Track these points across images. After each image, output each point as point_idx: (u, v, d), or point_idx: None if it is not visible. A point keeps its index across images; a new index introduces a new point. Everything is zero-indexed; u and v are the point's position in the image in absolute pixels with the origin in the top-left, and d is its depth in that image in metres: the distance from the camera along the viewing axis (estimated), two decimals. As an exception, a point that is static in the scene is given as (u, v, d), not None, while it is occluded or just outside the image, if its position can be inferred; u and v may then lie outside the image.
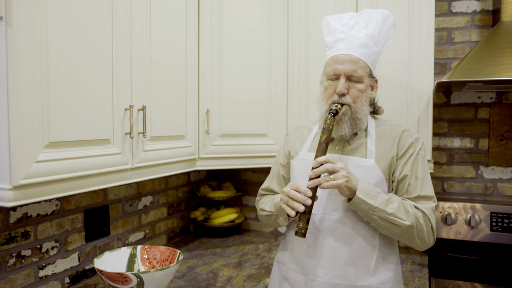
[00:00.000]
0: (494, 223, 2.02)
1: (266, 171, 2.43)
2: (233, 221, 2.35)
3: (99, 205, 1.72)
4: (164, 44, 1.57)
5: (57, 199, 1.51)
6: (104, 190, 1.75)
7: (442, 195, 2.21)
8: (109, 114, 1.30)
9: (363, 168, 1.29)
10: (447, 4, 2.19)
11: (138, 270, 1.53)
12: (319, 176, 1.21)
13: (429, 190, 1.30)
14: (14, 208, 1.36)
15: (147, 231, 2.04)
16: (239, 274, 1.76)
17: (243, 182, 2.54)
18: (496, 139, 2.13)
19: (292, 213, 1.21)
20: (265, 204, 1.48)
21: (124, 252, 1.54)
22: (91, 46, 1.22)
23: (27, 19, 1.02)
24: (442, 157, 2.22)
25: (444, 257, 2.08)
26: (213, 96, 1.86)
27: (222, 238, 2.32)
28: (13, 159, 1.00)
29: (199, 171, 2.50)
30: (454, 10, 2.18)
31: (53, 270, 1.51)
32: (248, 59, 1.93)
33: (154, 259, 1.55)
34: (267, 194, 1.54)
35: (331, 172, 1.20)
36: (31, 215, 1.42)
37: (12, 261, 1.36)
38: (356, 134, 1.35)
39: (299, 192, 1.21)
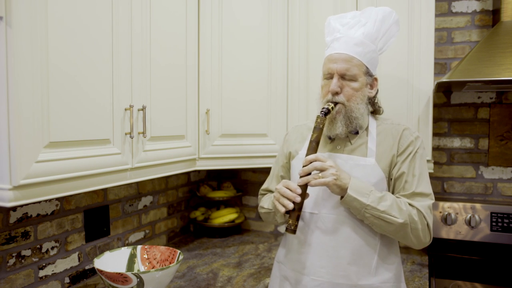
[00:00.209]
0: (494, 223, 2.02)
1: (266, 171, 2.43)
2: (233, 221, 2.35)
3: (99, 205, 1.72)
4: (164, 44, 1.57)
5: (57, 199, 1.51)
6: (104, 190, 1.75)
7: (442, 195, 2.21)
8: (109, 114, 1.30)
9: (363, 167, 1.29)
10: (447, 4, 2.19)
11: (138, 270, 1.53)
12: (310, 174, 1.22)
13: (426, 187, 1.30)
14: (14, 208, 1.36)
15: (147, 231, 2.04)
16: (239, 274, 1.77)
17: (243, 182, 2.54)
18: (496, 139, 2.13)
19: (282, 210, 1.24)
20: (264, 201, 1.50)
21: (124, 252, 1.54)
22: (91, 46, 1.22)
23: (27, 19, 1.02)
24: (442, 157, 2.22)
25: (444, 257, 2.08)
26: (213, 96, 1.86)
27: (222, 238, 2.32)
28: (13, 159, 1.00)
29: (199, 171, 2.50)
30: (454, 10, 2.18)
31: (53, 270, 1.51)
32: (248, 59, 1.93)
33: (154, 259, 1.55)
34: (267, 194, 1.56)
35: (320, 170, 1.21)
36: (31, 215, 1.42)
37: (12, 261, 1.36)
38: (357, 133, 1.35)
39: (289, 189, 1.23)
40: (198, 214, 2.38)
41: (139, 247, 1.57)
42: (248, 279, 1.70)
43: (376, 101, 1.42)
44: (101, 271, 1.31)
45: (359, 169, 1.29)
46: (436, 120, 2.21)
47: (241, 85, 1.92)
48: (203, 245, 2.18)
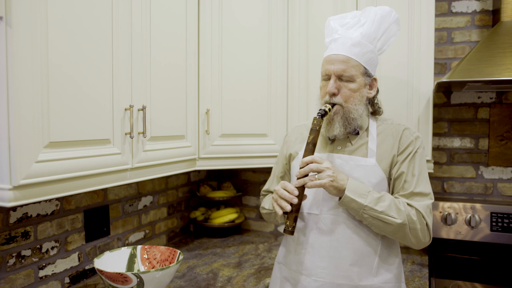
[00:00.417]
0: (494, 223, 2.02)
1: (266, 171, 2.44)
2: (233, 221, 2.35)
3: (99, 205, 1.72)
4: (164, 43, 1.57)
5: (57, 199, 1.51)
6: (104, 190, 1.75)
7: (442, 195, 2.21)
8: (109, 114, 1.30)
9: (364, 168, 1.29)
10: (447, 4, 2.19)
11: (138, 270, 1.53)
12: (307, 176, 1.23)
13: (425, 187, 1.29)
14: (14, 208, 1.36)
15: (147, 231, 2.04)
16: (239, 274, 1.76)
17: (243, 182, 2.54)
18: (496, 139, 2.13)
19: (280, 212, 1.24)
20: (265, 202, 1.51)
21: (124, 252, 1.54)
22: (91, 46, 1.22)
23: (27, 19, 1.02)
24: (442, 157, 2.22)
25: (444, 257, 2.08)
26: (213, 96, 1.86)
27: (222, 238, 2.32)
28: (13, 159, 1.00)
29: (199, 171, 2.50)
30: (454, 10, 2.18)
31: (53, 270, 1.51)
32: (248, 59, 1.93)
33: (154, 259, 1.55)
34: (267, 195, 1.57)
35: (317, 172, 1.22)
36: (31, 215, 1.42)
37: (12, 261, 1.36)
38: (357, 133, 1.35)
39: (287, 191, 1.23)
40: (198, 214, 2.38)
41: (139, 247, 1.57)
42: (248, 279, 1.70)
43: (376, 101, 1.42)
44: (101, 271, 1.31)
45: (360, 169, 1.29)
46: (436, 120, 2.21)
47: (241, 85, 1.92)
48: (203, 245, 2.18)
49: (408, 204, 1.26)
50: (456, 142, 2.20)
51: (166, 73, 1.59)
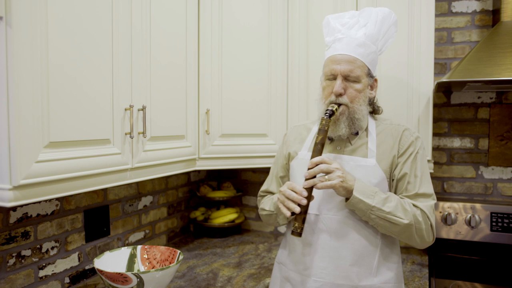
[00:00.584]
0: (494, 223, 2.02)
1: (266, 171, 2.43)
2: (233, 221, 2.35)
3: (99, 205, 1.72)
4: (164, 43, 1.57)
5: (57, 199, 1.51)
6: (104, 190, 1.75)
7: (442, 195, 2.21)
8: (109, 114, 1.30)
9: (364, 168, 1.29)
10: (447, 4, 2.19)
11: (138, 270, 1.53)
12: (315, 177, 1.22)
13: (428, 188, 1.30)
14: (14, 208, 1.36)
15: (147, 231, 2.04)
16: (239, 274, 1.76)
17: (243, 182, 2.54)
18: (496, 139, 2.13)
19: (288, 213, 1.23)
20: (265, 203, 1.49)
21: (124, 252, 1.54)
22: (91, 46, 1.22)
23: (27, 19, 1.02)
24: (442, 157, 2.22)
25: (444, 257, 2.08)
26: (213, 96, 1.86)
27: (222, 238, 2.32)
28: (13, 159, 1.00)
29: (199, 171, 2.50)
30: (454, 10, 2.18)
31: (53, 270, 1.51)
32: (248, 59, 1.93)
33: (154, 259, 1.55)
34: (266, 195, 1.55)
35: (326, 173, 1.21)
36: (31, 215, 1.42)
37: (12, 261, 1.36)
38: (357, 133, 1.35)
39: (295, 192, 1.22)
40: (198, 214, 2.38)
41: (139, 247, 1.57)
42: (248, 279, 1.70)
43: (375, 101, 1.42)
44: (101, 271, 1.31)
45: (360, 170, 1.29)
46: (436, 120, 2.21)
47: (241, 85, 1.92)
48: (203, 245, 2.18)
49: (413, 205, 1.26)
50: (456, 142, 2.20)
51: (166, 73, 1.59)
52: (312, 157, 1.24)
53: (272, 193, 1.52)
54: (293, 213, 1.23)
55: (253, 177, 2.51)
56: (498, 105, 2.12)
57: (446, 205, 2.10)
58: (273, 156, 1.90)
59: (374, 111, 1.42)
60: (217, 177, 2.60)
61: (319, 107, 1.36)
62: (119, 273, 1.28)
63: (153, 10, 1.49)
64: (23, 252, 1.40)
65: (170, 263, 1.51)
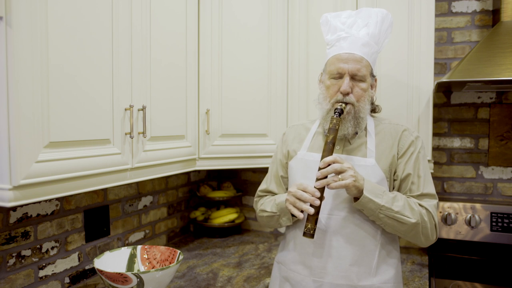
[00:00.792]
0: (494, 223, 2.02)
1: (266, 171, 2.42)
2: (233, 221, 2.35)
3: (99, 205, 1.72)
4: (164, 43, 1.57)
5: (57, 199, 1.51)
6: (104, 190, 1.75)
7: (442, 195, 2.21)
8: (109, 114, 1.30)
9: (363, 168, 1.29)
10: (447, 4, 2.19)
11: (138, 270, 1.53)
12: (326, 176, 1.21)
13: (431, 188, 1.31)
14: (14, 208, 1.36)
15: (147, 231, 2.04)
16: (239, 274, 1.76)
17: (243, 182, 2.54)
18: (496, 139, 2.13)
19: (301, 215, 1.22)
20: (265, 205, 1.46)
21: (124, 252, 1.54)
22: (91, 46, 1.22)
23: (27, 19, 1.02)
24: (442, 157, 2.22)
25: (444, 257, 2.08)
26: (213, 96, 1.86)
27: (222, 238, 2.32)
28: (13, 159, 1.00)
29: (199, 171, 2.50)
30: (454, 10, 2.18)
31: (53, 270, 1.51)
32: (248, 58, 1.93)
33: (154, 259, 1.55)
34: (265, 196, 1.54)
35: (338, 172, 1.20)
36: (31, 215, 1.42)
37: (12, 261, 1.36)
38: (356, 133, 1.35)
39: (306, 192, 1.21)
40: (198, 214, 2.38)
41: (139, 247, 1.57)
42: (248, 279, 1.70)
43: (374, 100, 1.42)
44: (101, 271, 1.31)
45: (360, 169, 1.29)
46: (436, 120, 2.21)
47: (241, 85, 1.92)
48: (203, 245, 2.18)
49: (419, 204, 1.27)
50: (456, 142, 2.20)
51: (166, 73, 1.59)
52: (323, 156, 1.22)
53: (271, 193, 1.51)
54: (302, 212, 1.22)
55: (253, 177, 2.51)
56: (498, 105, 2.12)
57: (446, 205, 2.10)
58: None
59: (373, 110, 1.42)
60: (217, 177, 2.60)
61: (322, 106, 1.35)
62: (119, 273, 1.28)
63: (153, 10, 1.49)
64: (23, 252, 1.40)
65: (170, 263, 1.51)
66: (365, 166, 1.30)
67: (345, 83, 1.28)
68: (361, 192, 1.21)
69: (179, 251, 1.51)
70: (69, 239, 1.58)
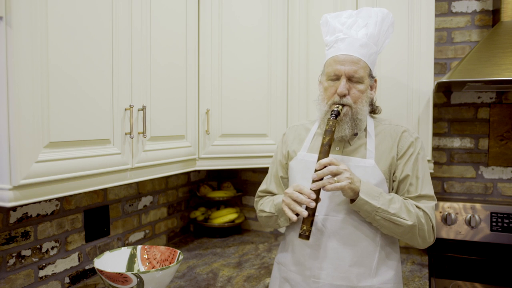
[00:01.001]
0: (494, 223, 2.02)
1: (266, 171, 2.42)
2: (233, 221, 2.35)
3: (99, 205, 1.72)
4: (164, 43, 1.57)
5: (57, 199, 1.51)
6: (104, 190, 1.75)
7: (442, 195, 2.21)
8: (109, 114, 1.30)
9: (363, 169, 1.29)
10: (447, 4, 2.19)
11: (138, 270, 1.53)
12: (322, 178, 1.21)
13: (430, 189, 1.31)
14: (14, 208, 1.36)
15: (147, 231, 2.04)
16: (239, 274, 1.76)
17: (243, 182, 2.54)
18: (496, 139, 2.13)
19: (294, 217, 1.21)
20: (265, 205, 1.47)
21: (124, 252, 1.54)
22: (91, 46, 1.22)
23: (27, 19, 1.02)
24: (442, 157, 2.22)
25: (444, 257, 2.08)
26: (213, 96, 1.86)
27: (222, 238, 2.32)
28: (13, 159, 1.00)
29: (199, 171, 2.50)
30: (454, 10, 2.18)
31: (53, 270, 1.51)
32: (248, 58, 1.93)
33: (154, 259, 1.55)
34: (265, 196, 1.54)
35: (334, 174, 1.20)
36: (31, 215, 1.42)
37: (12, 261, 1.36)
38: (356, 134, 1.35)
39: (302, 194, 1.21)
40: (198, 214, 2.38)
41: (139, 247, 1.57)
42: (248, 279, 1.70)
43: (374, 101, 1.42)
44: (101, 271, 1.31)
45: (359, 170, 1.29)
46: (436, 120, 2.21)
47: (241, 85, 1.92)
48: (203, 245, 2.18)
49: (416, 206, 1.26)
50: (456, 142, 2.20)
51: (166, 73, 1.59)
52: (319, 158, 1.22)
53: (271, 193, 1.51)
54: (297, 214, 1.22)
55: (253, 177, 2.51)
56: (498, 105, 2.12)
57: (446, 205, 2.10)
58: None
59: (373, 111, 1.42)
60: (217, 177, 2.60)
61: (320, 108, 1.35)
62: (119, 273, 1.28)
63: (153, 10, 1.49)
64: (23, 252, 1.40)
65: (170, 263, 1.51)
66: (365, 167, 1.29)
67: (342, 85, 1.27)
68: (357, 194, 1.21)
69: (179, 251, 1.51)
70: (69, 239, 1.58)
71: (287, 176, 1.49)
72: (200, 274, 1.75)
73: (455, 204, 2.09)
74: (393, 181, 1.32)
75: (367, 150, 1.32)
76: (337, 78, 1.30)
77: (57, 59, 1.11)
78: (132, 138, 1.38)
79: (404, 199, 1.28)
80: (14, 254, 1.36)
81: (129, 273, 1.28)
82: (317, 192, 1.21)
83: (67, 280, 1.58)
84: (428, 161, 1.82)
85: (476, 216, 2.04)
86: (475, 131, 2.17)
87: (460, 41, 2.17)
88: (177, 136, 1.69)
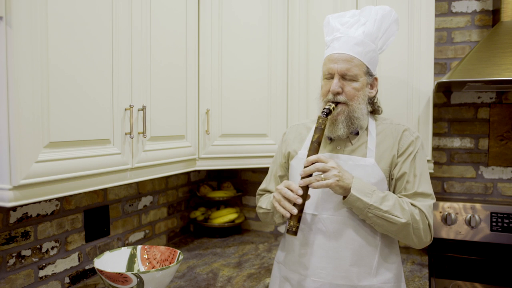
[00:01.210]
0: (494, 223, 2.02)
1: (266, 171, 2.42)
2: (233, 221, 2.35)
3: (99, 205, 1.72)
4: (164, 43, 1.57)
5: (57, 199, 1.51)
6: (104, 190, 1.75)
7: (442, 195, 2.21)
8: (109, 114, 1.30)
9: (363, 168, 1.29)
10: (447, 4, 2.19)
11: (138, 270, 1.53)
12: (311, 175, 1.21)
13: (427, 187, 1.30)
14: (14, 208, 1.36)
15: (147, 231, 2.04)
16: (239, 274, 1.76)
17: (243, 182, 2.54)
18: (496, 139, 2.13)
19: (287, 214, 1.22)
20: (263, 201, 1.49)
21: (124, 252, 1.54)
22: (91, 46, 1.22)
23: (27, 19, 1.02)
24: (442, 157, 2.22)
25: (444, 257, 2.08)
26: (213, 96, 1.86)
27: (222, 238, 2.32)
28: (13, 159, 1.00)
29: (199, 171, 2.50)
30: (454, 10, 2.18)
31: (53, 270, 1.51)
32: (248, 58, 1.93)
33: (154, 259, 1.55)
34: (264, 194, 1.55)
35: (322, 171, 1.21)
36: (31, 215, 1.42)
37: (12, 261, 1.36)
38: (357, 133, 1.35)
39: (291, 190, 1.22)
40: (198, 214, 2.38)
41: (139, 247, 1.57)
42: (248, 279, 1.70)
43: (375, 101, 1.42)
44: (101, 271, 1.31)
45: (359, 169, 1.29)
46: (436, 120, 2.21)
47: (241, 85, 1.92)
48: (203, 245, 2.18)
49: (412, 204, 1.26)
50: (456, 142, 2.20)
51: (166, 73, 1.59)
52: (308, 155, 1.24)
53: (270, 192, 1.52)
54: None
55: (253, 177, 2.51)
56: (498, 105, 2.12)
57: (446, 205, 2.10)
58: (273, 156, 1.90)
59: (374, 110, 1.42)
60: (217, 177, 2.60)
61: (318, 106, 1.36)
62: (119, 273, 1.28)
63: (153, 10, 1.49)
64: (23, 252, 1.40)
65: (170, 263, 1.51)
66: (365, 166, 1.29)
67: (334, 83, 1.28)
68: (348, 191, 1.21)
69: (179, 251, 1.51)
70: (69, 239, 1.58)
71: (286, 175, 1.49)
72: (200, 274, 1.75)
73: (455, 204, 2.09)
74: (391, 179, 1.32)
75: (367, 148, 1.32)
76: (331, 76, 1.31)
77: (57, 59, 1.11)
78: (132, 138, 1.38)
79: (400, 197, 1.28)
80: (14, 254, 1.36)
81: (129, 273, 1.28)
82: (305, 189, 1.21)
83: (67, 280, 1.58)
84: (428, 161, 1.82)
85: (476, 216, 2.04)
86: (475, 131, 2.17)
87: (460, 41, 2.18)
88: (177, 136, 1.69)
